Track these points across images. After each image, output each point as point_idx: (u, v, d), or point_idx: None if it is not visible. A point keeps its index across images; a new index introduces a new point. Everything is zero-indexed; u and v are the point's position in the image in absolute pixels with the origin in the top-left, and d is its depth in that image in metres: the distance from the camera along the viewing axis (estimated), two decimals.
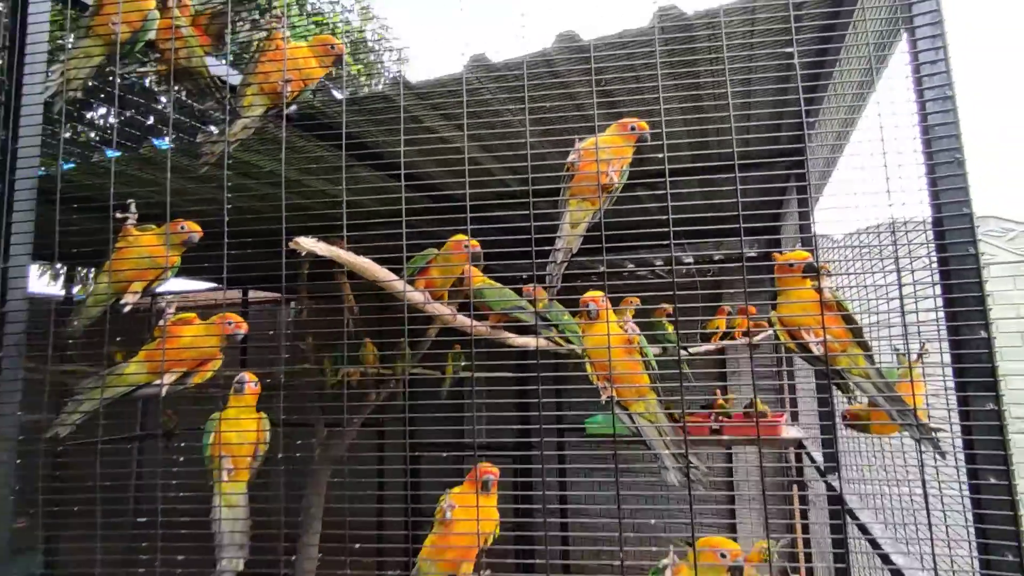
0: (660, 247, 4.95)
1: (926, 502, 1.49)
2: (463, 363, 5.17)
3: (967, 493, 1.47)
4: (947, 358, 1.57)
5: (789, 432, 4.40)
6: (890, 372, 2.00)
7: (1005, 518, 1.40)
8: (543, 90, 2.70)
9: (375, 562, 6.56)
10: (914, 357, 1.88)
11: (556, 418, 6.12)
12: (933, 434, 1.58)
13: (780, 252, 2.31)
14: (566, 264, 2.05)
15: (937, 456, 1.58)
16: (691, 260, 6.61)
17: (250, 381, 2.11)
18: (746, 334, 4.74)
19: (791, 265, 1.91)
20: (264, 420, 2.10)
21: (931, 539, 1.47)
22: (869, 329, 2.21)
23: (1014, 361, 6.33)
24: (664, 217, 1.74)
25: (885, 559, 1.92)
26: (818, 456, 4.28)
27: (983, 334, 1.45)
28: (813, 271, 1.82)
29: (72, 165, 3.53)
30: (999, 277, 6.60)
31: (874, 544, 2.08)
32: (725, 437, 4.42)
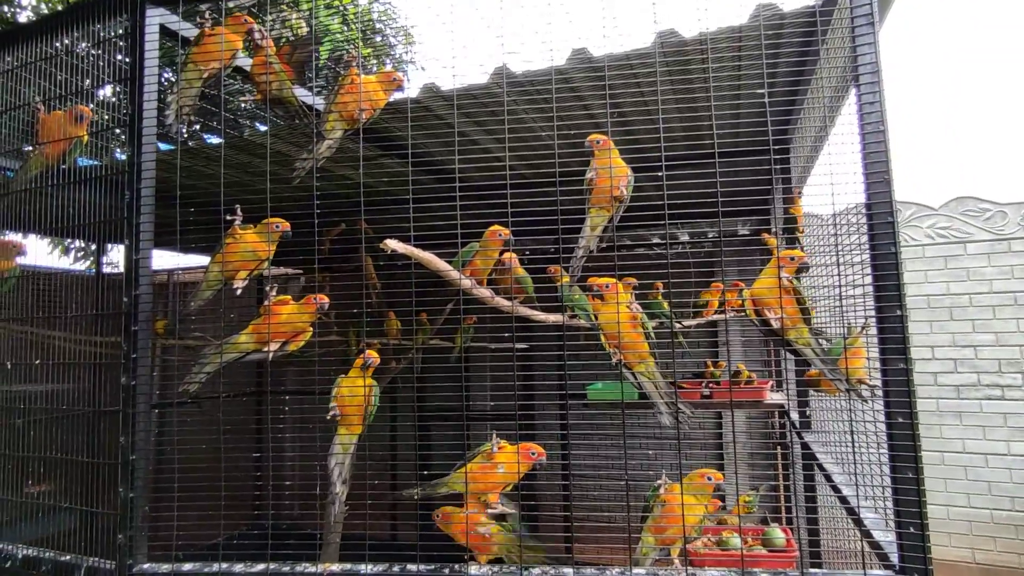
0: (657, 226, 5.44)
1: (852, 438, 2.00)
2: (471, 334, 5.66)
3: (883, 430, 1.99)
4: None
5: (773, 398, 4.94)
6: (837, 344, 2.51)
7: (908, 447, 1.92)
8: (560, 98, 3.17)
9: (389, 514, 7.19)
10: (859, 330, 2.40)
11: (559, 385, 6.66)
12: (859, 387, 2.09)
13: (770, 233, 2.77)
14: (586, 258, 2.56)
15: (863, 403, 2.09)
16: (687, 238, 7.08)
17: (375, 360, 2.63)
18: (736, 311, 5.24)
19: (791, 259, 2.39)
20: (375, 387, 2.64)
21: (854, 463, 1.99)
22: (825, 306, 2.72)
23: (984, 333, 6.88)
24: (661, 201, 2.21)
25: (827, 478, 2.46)
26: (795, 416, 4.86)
27: (898, 312, 1.95)
28: (806, 270, 2.33)
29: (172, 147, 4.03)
30: (975, 255, 7.09)
31: (820, 467, 2.61)
32: (715, 401, 4.94)
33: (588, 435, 6.80)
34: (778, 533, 4.00)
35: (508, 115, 3.37)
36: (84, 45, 2.74)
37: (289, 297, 2.63)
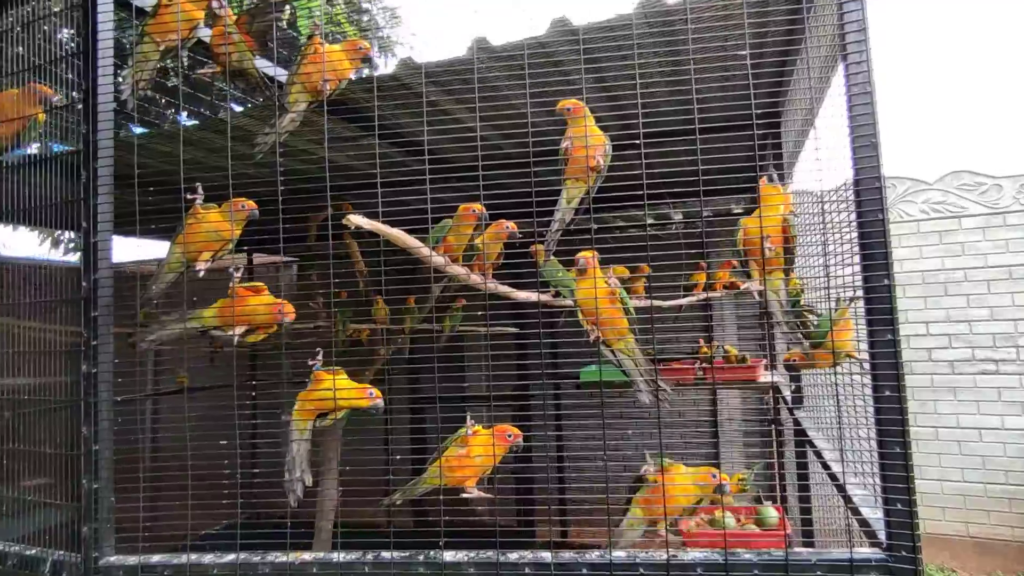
0: (641, 205, 5.35)
1: (838, 413, 1.94)
2: (460, 317, 5.59)
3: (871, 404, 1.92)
4: None
5: (766, 377, 4.89)
6: (824, 320, 2.44)
7: (895, 420, 1.85)
8: (540, 69, 3.05)
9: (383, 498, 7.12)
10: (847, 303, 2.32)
11: (552, 368, 6.60)
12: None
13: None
14: (562, 231, 2.46)
15: (853, 376, 2.03)
16: (680, 216, 6.98)
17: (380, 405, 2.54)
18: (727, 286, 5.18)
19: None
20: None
21: (840, 439, 1.93)
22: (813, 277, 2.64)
23: (979, 308, 6.84)
24: (644, 180, 2.12)
25: (817, 454, 2.40)
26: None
27: (886, 282, 1.87)
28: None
29: (144, 131, 3.88)
30: (970, 229, 7.02)
31: (811, 444, 2.55)
32: (708, 381, 4.90)
33: (582, 416, 6.77)
34: (771, 512, 3.96)
35: (487, 88, 3.26)
36: (34, 17, 2.60)
37: (263, 286, 2.53)
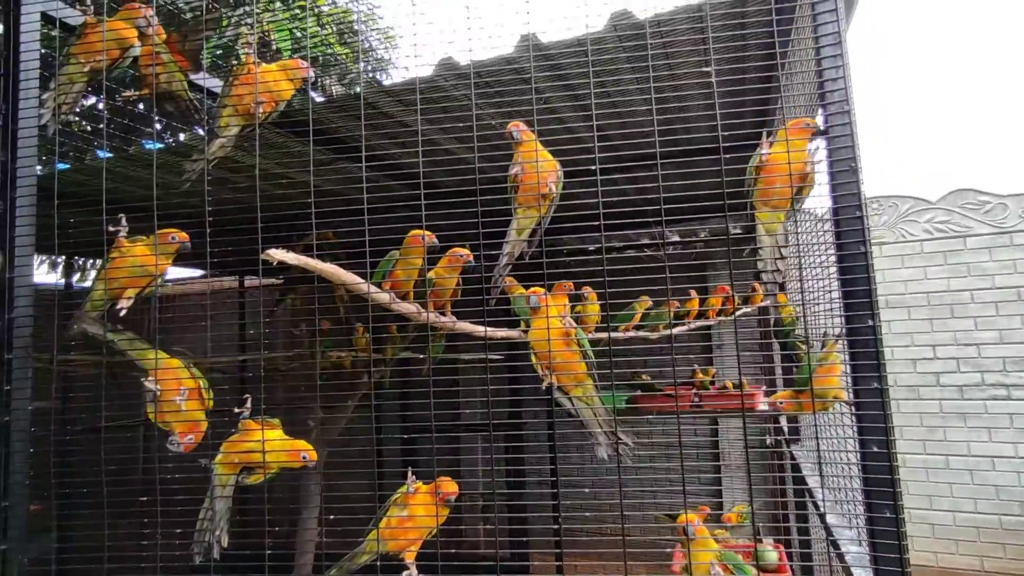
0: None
1: (819, 459, 1.71)
2: (443, 347, 5.42)
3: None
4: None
5: (766, 404, 4.66)
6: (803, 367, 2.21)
7: (884, 481, 1.62)
8: (508, 86, 2.89)
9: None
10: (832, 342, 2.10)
11: (547, 396, 6.37)
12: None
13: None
14: (511, 266, 2.26)
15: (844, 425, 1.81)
16: (676, 238, 6.80)
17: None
18: (721, 312, 5.00)
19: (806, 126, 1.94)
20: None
21: (822, 500, 1.70)
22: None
23: (987, 331, 6.58)
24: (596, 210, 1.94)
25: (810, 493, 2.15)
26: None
27: (869, 323, 1.66)
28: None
29: (67, 166, 3.72)
30: (976, 249, 6.78)
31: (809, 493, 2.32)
32: (706, 410, 4.69)
33: (578, 444, 6.53)
34: (771, 553, 3.70)
35: (456, 108, 3.10)
36: None
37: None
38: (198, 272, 6.96)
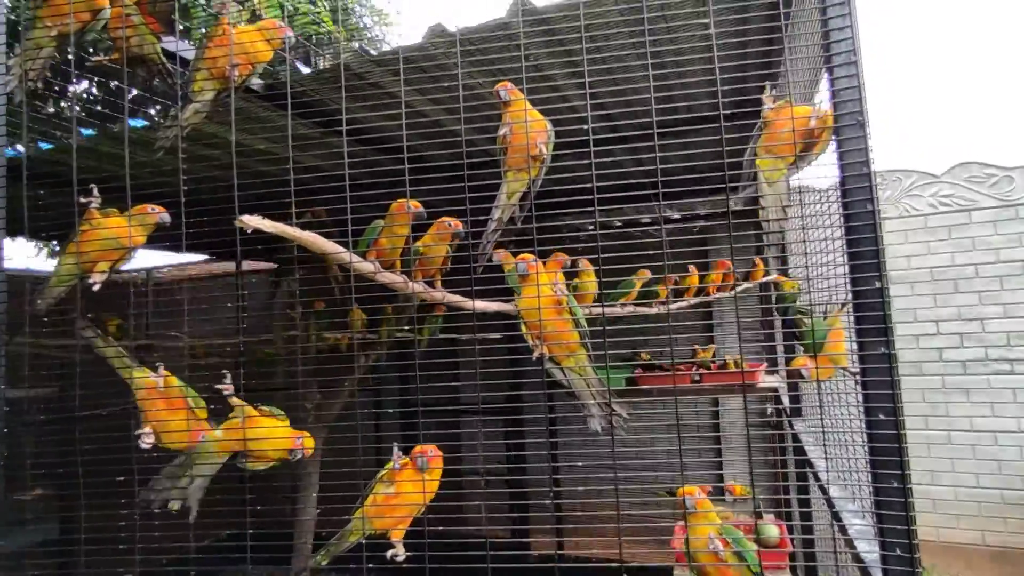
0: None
1: (822, 425, 1.64)
2: (440, 326, 5.35)
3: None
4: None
5: (767, 381, 4.61)
6: (818, 324, 2.13)
7: (892, 450, 1.55)
8: (500, 53, 2.78)
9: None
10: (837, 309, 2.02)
11: (546, 375, 6.30)
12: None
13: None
14: (500, 232, 2.17)
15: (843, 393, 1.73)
16: (677, 216, 6.70)
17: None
18: (722, 289, 4.93)
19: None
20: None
21: (827, 470, 1.63)
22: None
23: (992, 305, 6.49)
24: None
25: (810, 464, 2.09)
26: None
27: (877, 284, 1.58)
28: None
29: (51, 146, 3.61)
30: (981, 223, 6.68)
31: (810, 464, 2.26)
32: (707, 386, 4.65)
33: (577, 426, 6.48)
34: (772, 529, 3.66)
35: (447, 78, 2.99)
36: None
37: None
38: (178, 256, 6.81)
